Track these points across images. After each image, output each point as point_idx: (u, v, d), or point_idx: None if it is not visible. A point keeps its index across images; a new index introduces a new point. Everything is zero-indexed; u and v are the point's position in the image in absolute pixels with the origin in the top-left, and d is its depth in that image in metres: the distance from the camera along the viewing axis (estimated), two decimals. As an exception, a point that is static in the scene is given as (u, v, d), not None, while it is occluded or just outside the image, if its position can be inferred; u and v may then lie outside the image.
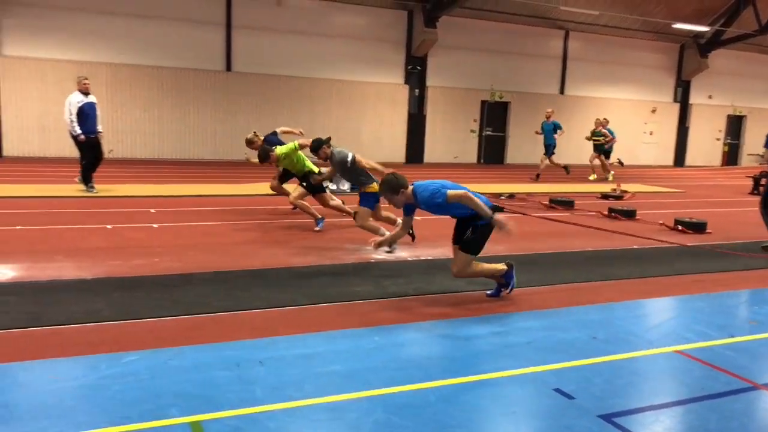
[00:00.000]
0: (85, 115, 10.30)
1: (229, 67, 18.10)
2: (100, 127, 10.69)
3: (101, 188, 10.63)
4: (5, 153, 16.03)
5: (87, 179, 10.53)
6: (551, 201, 11.24)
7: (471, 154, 22.05)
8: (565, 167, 17.09)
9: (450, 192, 4.83)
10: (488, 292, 5.34)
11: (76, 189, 10.53)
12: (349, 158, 7.15)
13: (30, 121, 16.15)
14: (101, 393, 3.25)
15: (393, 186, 5.00)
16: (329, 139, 7.46)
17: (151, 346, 3.97)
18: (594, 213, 10.30)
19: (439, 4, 19.16)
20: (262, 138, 9.40)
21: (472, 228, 5.00)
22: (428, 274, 5.94)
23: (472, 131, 21.88)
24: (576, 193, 13.08)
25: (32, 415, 3.02)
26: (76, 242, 6.88)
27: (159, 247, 6.79)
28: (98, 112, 10.64)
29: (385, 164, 7.50)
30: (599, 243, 7.85)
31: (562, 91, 23.11)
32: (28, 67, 15.95)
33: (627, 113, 24.05)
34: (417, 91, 20.82)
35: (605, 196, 12.72)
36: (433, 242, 7.31)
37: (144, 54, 17.07)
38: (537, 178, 16.16)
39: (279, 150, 8.20)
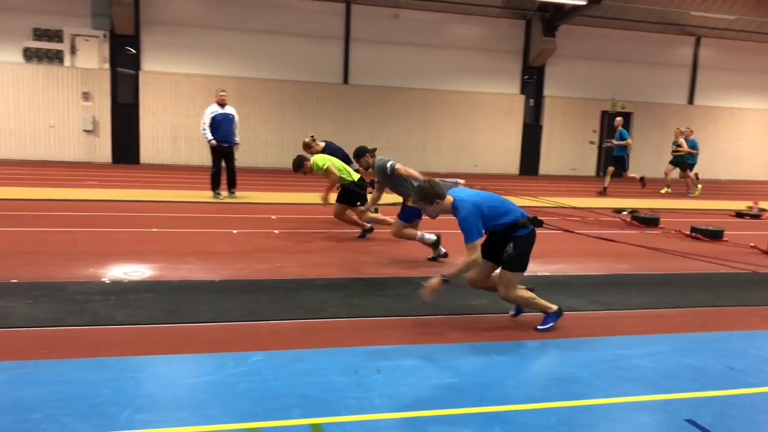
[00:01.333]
0: (217, 125, 11.00)
1: (346, 80, 18.63)
2: (237, 138, 11.22)
3: (226, 195, 11.25)
4: (142, 160, 17.38)
5: (215, 185, 11.20)
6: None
7: (589, 167, 21.27)
8: (641, 179, 15.55)
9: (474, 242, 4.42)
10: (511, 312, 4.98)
11: (204, 195, 11.21)
12: (389, 166, 6.91)
13: (164, 130, 17.43)
14: (230, 389, 3.43)
15: (427, 195, 4.52)
16: (374, 150, 7.36)
17: (273, 347, 4.14)
18: (675, 232, 9.39)
19: (558, 13, 18.71)
20: (323, 144, 9.01)
21: (513, 242, 4.56)
22: (549, 292, 5.78)
23: (591, 142, 21.11)
24: (687, 210, 12.26)
25: (172, 406, 3.24)
26: (205, 245, 7.31)
27: (280, 252, 7.08)
28: (236, 124, 11.15)
29: (498, 176, 7.39)
30: (694, 265, 7.28)
31: (691, 101, 21.77)
32: (164, 81, 17.23)
33: (766, 124, 22.27)
34: (533, 101, 20.40)
35: (740, 214, 11.80)
36: (550, 258, 7.10)
37: (267, 68, 17.94)
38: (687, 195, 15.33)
39: (315, 159, 7.96)
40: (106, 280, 5.60)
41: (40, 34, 16.32)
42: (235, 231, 8.21)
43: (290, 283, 5.72)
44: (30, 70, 16.32)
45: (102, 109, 16.89)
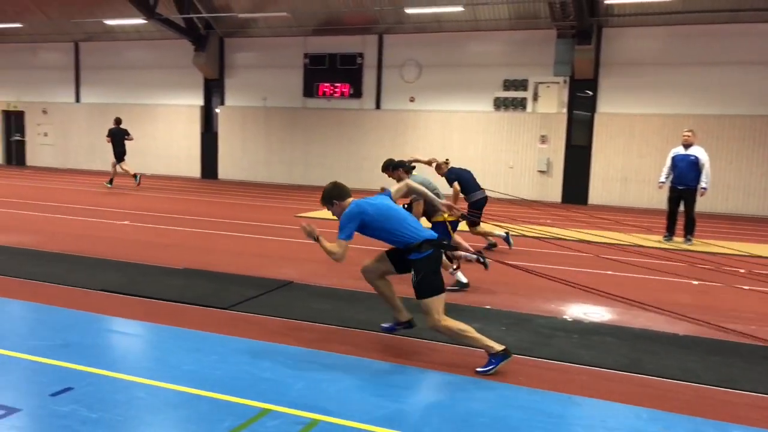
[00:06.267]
0: (674, 166, 10.53)
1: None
2: (703, 183, 10.35)
3: (681, 241, 10.53)
4: (590, 200, 17.69)
5: (668, 229, 10.68)
6: None
7: None
8: None
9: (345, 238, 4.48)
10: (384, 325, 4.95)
11: (655, 238, 10.74)
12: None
13: (614, 172, 17.41)
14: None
15: (325, 196, 4.75)
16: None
17: (756, 424, 3.62)
18: None
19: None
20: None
21: (413, 267, 4.48)
22: None
23: None
24: None
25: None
26: (662, 294, 6.94)
27: (755, 312, 6.23)
28: (701, 167, 10.33)
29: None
30: None
31: None
32: (619, 122, 17.25)
33: None
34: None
35: None
36: None
37: (734, 103, 16.25)
38: None
39: None
40: (567, 317, 5.82)
41: (508, 85, 18.31)
42: (695, 282, 7.60)
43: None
44: (497, 117, 18.43)
45: (556, 150, 17.89)
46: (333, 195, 4.72)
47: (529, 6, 17.15)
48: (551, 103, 17.84)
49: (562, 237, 10.60)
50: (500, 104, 18.41)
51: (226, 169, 21.56)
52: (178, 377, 4.04)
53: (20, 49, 24.17)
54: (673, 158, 10.60)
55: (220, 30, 20.95)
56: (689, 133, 10.56)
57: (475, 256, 6.69)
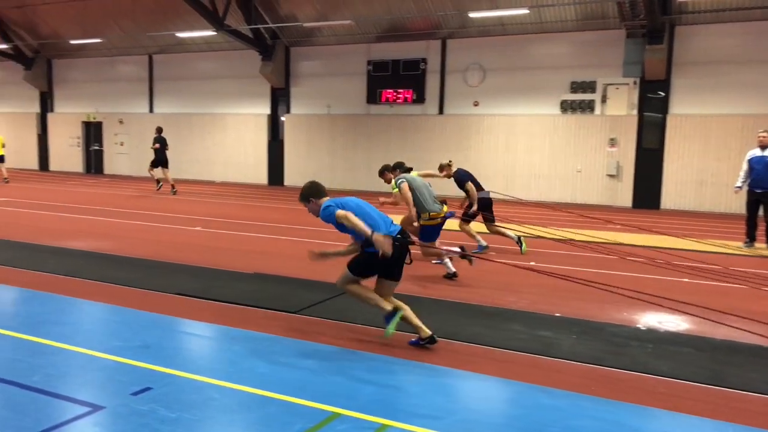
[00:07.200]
0: (751, 169, 10.07)
1: None
2: None
3: (764, 247, 10.01)
4: (663, 205, 17.06)
5: (748, 234, 10.19)
6: None
7: None
8: None
9: (338, 212, 4.69)
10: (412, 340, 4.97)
11: (733, 245, 10.25)
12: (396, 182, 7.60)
13: (689, 175, 16.73)
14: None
15: (303, 193, 5.01)
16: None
17: None
18: None
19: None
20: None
21: (363, 251, 4.92)
22: None
23: None
24: None
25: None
26: (747, 303, 6.61)
27: None
28: None
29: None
30: None
31: None
32: (693, 124, 16.58)
33: None
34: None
35: None
36: None
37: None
38: None
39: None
40: (641, 326, 5.63)
41: (575, 87, 17.89)
42: (778, 290, 7.20)
43: None
44: (564, 120, 18.04)
45: (626, 154, 17.35)
46: (311, 193, 4.98)
47: (597, 6, 16.73)
48: (621, 105, 17.34)
49: (633, 244, 10.27)
50: (567, 107, 18.03)
51: (292, 176, 21.97)
52: (250, 379, 4.14)
53: (99, 63, 25.42)
54: (750, 161, 10.13)
55: (286, 39, 21.41)
56: (765, 134, 10.04)
57: (453, 252, 7.18)
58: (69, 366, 4.38)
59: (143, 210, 13.72)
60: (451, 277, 7.46)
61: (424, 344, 4.87)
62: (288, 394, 3.90)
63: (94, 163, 26.39)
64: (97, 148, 26.18)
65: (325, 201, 4.91)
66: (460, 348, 4.96)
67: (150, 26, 22.22)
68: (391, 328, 4.85)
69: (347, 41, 20.52)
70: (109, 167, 25.96)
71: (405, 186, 7.42)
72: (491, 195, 9.59)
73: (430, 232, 7.53)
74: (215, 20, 19.08)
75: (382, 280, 5.03)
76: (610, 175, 17.55)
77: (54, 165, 27.12)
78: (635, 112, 17.20)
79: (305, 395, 3.89)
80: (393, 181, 7.95)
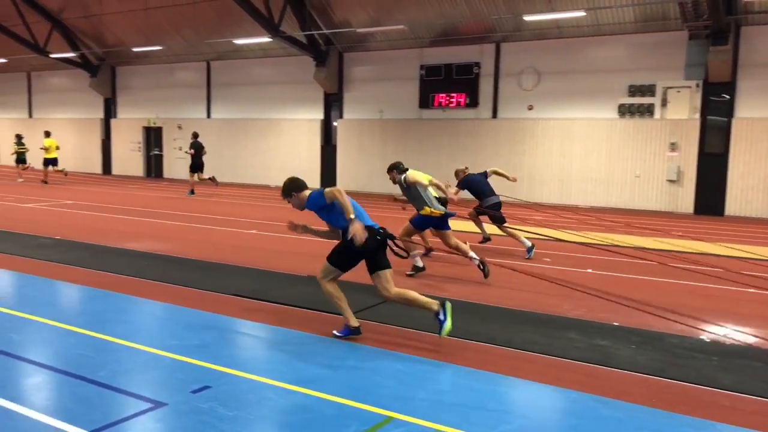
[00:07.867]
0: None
1: None
2: None
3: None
4: (727, 212, 16.43)
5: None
6: None
7: None
8: None
9: (327, 189, 4.91)
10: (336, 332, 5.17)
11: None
12: (401, 178, 7.91)
13: (756, 181, 16.07)
14: None
15: (285, 188, 5.26)
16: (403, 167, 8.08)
17: None
18: None
19: None
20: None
21: (344, 240, 5.01)
22: None
23: None
24: None
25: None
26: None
27: None
28: None
29: None
30: None
31: None
32: (761, 128, 15.91)
33: None
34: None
35: None
36: None
37: None
38: None
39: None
40: (705, 338, 5.44)
41: (634, 91, 17.43)
42: None
43: None
44: (622, 124, 17.59)
45: (687, 158, 16.79)
46: (293, 188, 5.26)
47: (657, 7, 16.28)
48: (682, 109, 16.79)
49: (699, 251, 9.92)
50: (625, 111, 17.58)
51: (344, 181, 22.14)
52: (305, 380, 4.18)
53: (159, 70, 26.24)
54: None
55: (340, 45, 21.62)
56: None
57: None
58: (132, 363, 4.53)
59: (200, 213, 14.07)
60: (418, 270, 7.79)
61: (349, 335, 5.09)
62: (342, 396, 3.92)
63: (154, 167, 27.24)
64: (157, 152, 27.01)
65: (307, 192, 5.23)
66: (515, 355, 4.89)
67: (208, 34, 22.81)
68: (449, 318, 4.91)
69: (400, 46, 20.59)
70: (168, 171, 26.73)
71: (413, 173, 7.97)
72: (509, 199, 10.11)
73: (422, 221, 7.99)
74: (271, 27, 19.44)
75: (373, 275, 5.15)
76: (671, 181, 17.02)
77: (116, 169, 28.12)
78: (697, 115, 16.63)
79: (359, 398, 3.91)
80: (402, 176, 8.15)
